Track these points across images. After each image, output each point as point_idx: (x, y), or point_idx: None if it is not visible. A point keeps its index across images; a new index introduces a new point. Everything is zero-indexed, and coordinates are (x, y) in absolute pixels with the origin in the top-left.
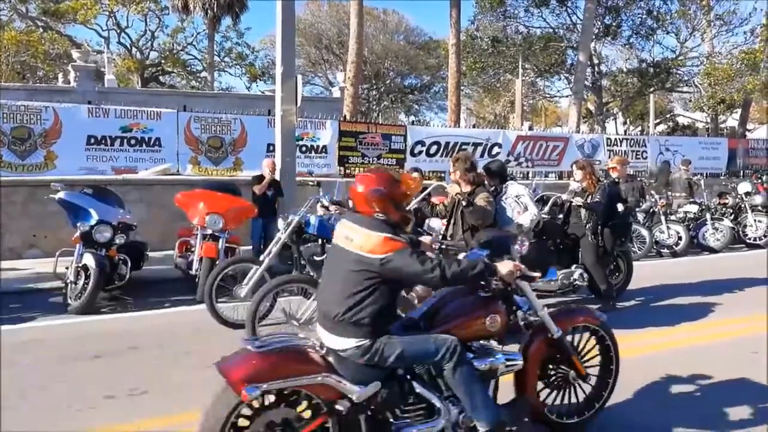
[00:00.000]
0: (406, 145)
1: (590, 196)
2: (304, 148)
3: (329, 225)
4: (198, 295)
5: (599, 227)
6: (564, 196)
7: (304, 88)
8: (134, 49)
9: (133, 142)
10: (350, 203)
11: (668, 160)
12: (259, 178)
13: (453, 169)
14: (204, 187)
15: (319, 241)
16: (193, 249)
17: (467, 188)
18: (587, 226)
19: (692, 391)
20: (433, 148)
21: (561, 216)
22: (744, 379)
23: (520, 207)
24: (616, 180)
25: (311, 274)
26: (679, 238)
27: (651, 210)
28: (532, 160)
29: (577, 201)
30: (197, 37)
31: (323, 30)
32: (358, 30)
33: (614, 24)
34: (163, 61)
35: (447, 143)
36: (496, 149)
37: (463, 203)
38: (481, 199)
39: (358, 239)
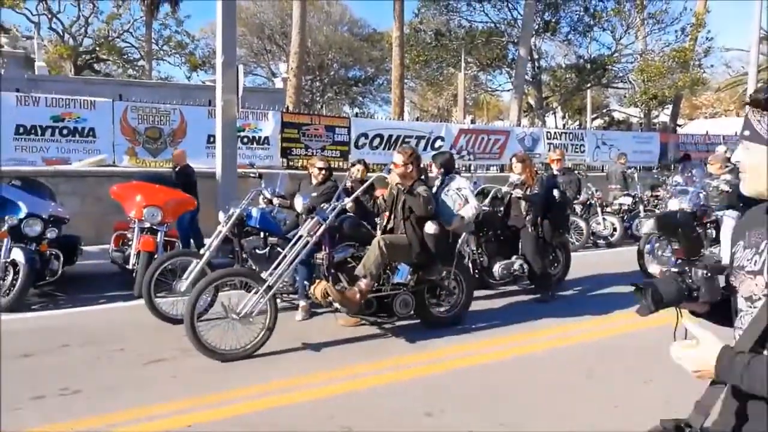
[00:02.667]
0: (350, 138)
1: (529, 189)
2: (245, 140)
3: (272, 218)
4: (135, 290)
5: (538, 218)
6: (504, 189)
7: (246, 78)
8: (67, 36)
9: (65, 132)
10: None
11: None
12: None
13: (403, 160)
14: (141, 178)
15: (261, 234)
16: (130, 243)
17: (408, 182)
18: (527, 218)
19: (629, 376)
20: (377, 141)
21: (501, 208)
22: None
23: (461, 199)
24: (555, 173)
25: (253, 267)
26: (614, 229)
27: (588, 202)
28: (474, 153)
29: (517, 193)
30: (134, 24)
31: (266, 20)
32: (301, 21)
33: (553, 20)
34: (97, 49)
35: (390, 136)
36: (439, 142)
37: (404, 192)
38: (422, 191)
39: None
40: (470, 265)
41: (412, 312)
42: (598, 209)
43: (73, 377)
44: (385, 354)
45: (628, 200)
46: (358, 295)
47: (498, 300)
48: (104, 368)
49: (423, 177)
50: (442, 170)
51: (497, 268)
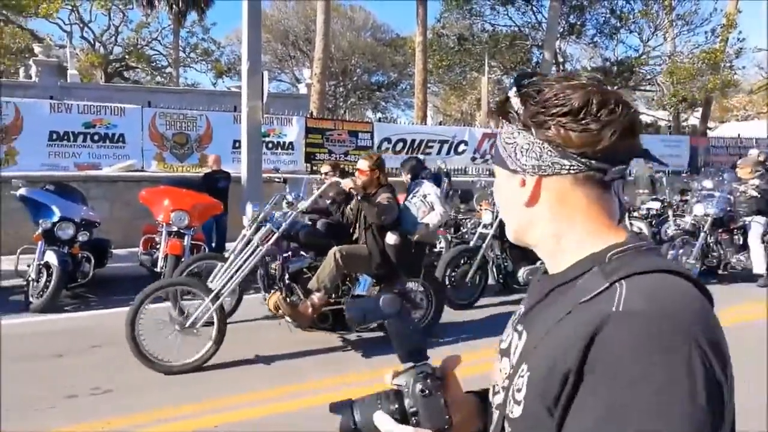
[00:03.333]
0: (372, 142)
1: None
2: (270, 145)
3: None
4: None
5: None
6: None
7: (271, 84)
8: (98, 44)
9: (96, 138)
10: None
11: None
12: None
13: (368, 166)
14: (169, 183)
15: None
16: (158, 246)
17: (373, 188)
18: None
19: None
20: (400, 145)
21: None
22: None
23: (426, 207)
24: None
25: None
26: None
27: None
28: None
29: None
30: (162, 32)
31: (290, 26)
32: (325, 27)
33: (579, 23)
34: (127, 57)
35: (413, 140)
36: (462, 146)
37: (358, 198)
38: (383, 199)
39: None
40: (494, 270)
41: (371, 326)
42: (625, 214)
43: (104, 377)
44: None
45: (657, 205)
46: (310, 309)
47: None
48: (133, 369)
49: (387, 184)
50: (410, 177)
51: (522, 273)
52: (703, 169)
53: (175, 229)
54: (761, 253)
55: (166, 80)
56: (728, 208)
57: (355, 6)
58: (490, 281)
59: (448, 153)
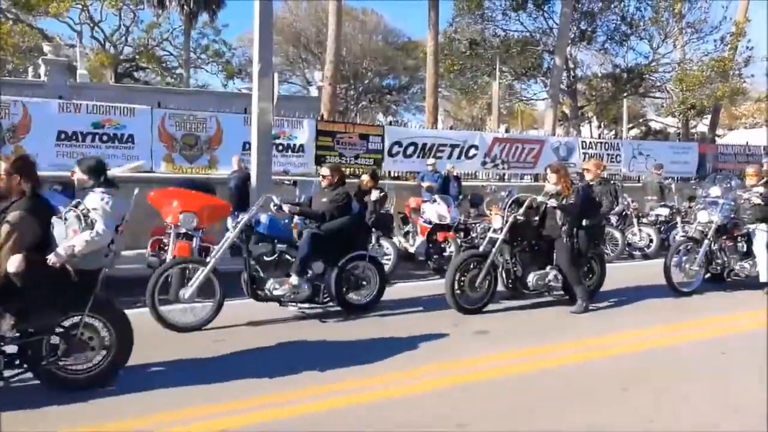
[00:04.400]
0: (383, 146)
1: (565, 199)
2: (280, 147)
3: (281, 224)
4: (171, 294)
5: (574, 229)
6: (539, 198)
7: (282, 86)
8: (108, 44)
9: (105, 138)
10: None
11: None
12: None
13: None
14: (178, 185)
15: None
16: (166, 248)
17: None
18: (562, 228)
19: (665, 391)
20: (411, 149)
21: (537, 218)
22: (716, 379)
23: (81, 224)
24: (591, 183)
25: (261, 274)
26: (651, 241)
27: (624, 213)
28: (508, 162)
29: (552, 203)
30: (173, 33)
31: (302, 29)
32: (337, 29)
33: (589, 29)
34: (137, 57)
35: (424, 144)
36: (473, 151)
37: None
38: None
39: None
40: (504, 275)
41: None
42: (634, 220)
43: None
44: (411, 363)
45: (665, 211)
46: None
47: (530, 310)
48: (136, 372)
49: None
50: (91, 181)
51: (531, 279)
52: (709, 175)
53: (183, 230)
54: (767, 260)
55: (177, 81)
56: (732, 216)
57: (367, 9)
58: (500, 287)
59: (459, 157)
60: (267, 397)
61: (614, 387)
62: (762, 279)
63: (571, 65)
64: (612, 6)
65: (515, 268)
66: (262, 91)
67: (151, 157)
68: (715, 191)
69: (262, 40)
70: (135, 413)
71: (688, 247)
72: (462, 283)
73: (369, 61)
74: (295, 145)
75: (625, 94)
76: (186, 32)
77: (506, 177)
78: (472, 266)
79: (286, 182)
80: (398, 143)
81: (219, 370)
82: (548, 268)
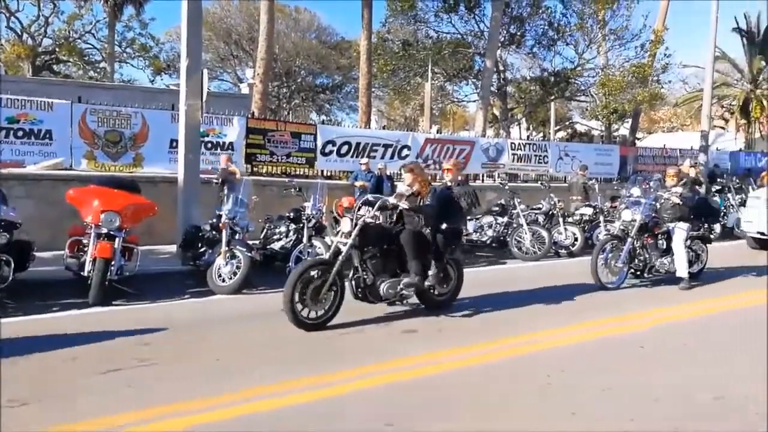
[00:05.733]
0: (316, 145)
1: (422, 200)
2: (209, 145)
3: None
4: (90, 298)
5: (432, 232)
6: (391, 200)
7: (212, 83)
8: (25, 35)
9: (20, 134)
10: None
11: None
12: None
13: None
14: (99, 183)
15: None
16: (85, 249)
17: None
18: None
19: (586, 385)
20: (345, 148)
21: (391, 221)
22: (637, 371)
23: None
24: (450, 184)
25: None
26: (576, 239)
27: (550, 212)
28: (440, 162)
29: (404, 205)
30: (96, 25)
31: (233, 25)
32: (269, 26)
33: (519, 33)
34: (57, 49)
35: (358, 144)
36: (405, 151)
37: None
38: None
39: None
40: (353, 283)
41: None
42: (560, 219)
43: (23, 388)
44: (338, 364)
45: (589, 211)
46: None
47: (457, 311)
48: (57, 379)
49: None
50: None
51: (383, 287)
52: (631, 176)
53: (104, 230)
54: (684, 257)
55: (100, 76)
56: (653, 215)
57: (300, 7)
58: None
59: (392, 157)
60: (192, 403)
61: (539, 382)
62: (678, 274)
63: (501, 68)
64: (540, 12)
65: (365, 276)
66: (190, 87)
67: (71, 154)
68: (636, 191)
69: (190, 35)
70: (94, 414)
71: (613, 245)
72: (304, 296)
73: (302, 60)
74: (224, 143)
75: (552, 98)
76: (110, 25)
77: (438, 177)
78: (315, 276)
79: (215, 181)
80: (331, 142)
81: (139, 376)
82: (403, 275)
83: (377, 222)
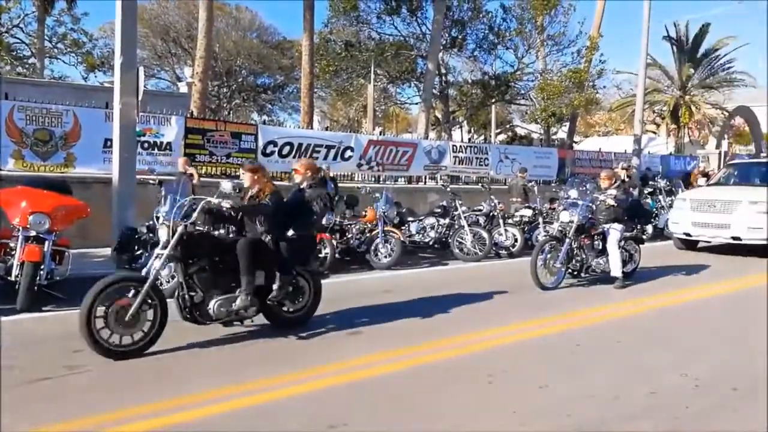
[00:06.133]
0: (257, 145)
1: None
2: (146, 145)
3: None
4: (18, 303)
5: (274, 239)
6: (214, 200)
7: (149, 81)
8: None
9: None
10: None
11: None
12: None
13: None
14: (28, 183)
15: None
16: (13, 252)
17: None
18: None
19: (525, 382)
20: (286, 149)
21: (222, 228)
22: (573, 369)
23: None
24: (301, 186)
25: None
26: (516, 240)
27: (491, 214)
28: (382, 164)
29: (225, 205)
30: (25, 19)
31: (171, 22)
32: (207, 24)
33: (460, 37)
34: None
35: (300, 144)
36: (348, 152)
37: None
38: None
39: None
40: (180, 301)
41: None
42: (501, 221)
43: None
44: (281, 367)
45: (529, 212)
46: None
47: (403, 312)
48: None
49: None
50: None
51: (214, 306)
52: (569, 179)
53: (33, 233)
54: (618, 257)
55: (29, 72)
56: (590, 216)
57: (240, 6)
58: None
59: (334, 158)
60: (121, 412)
61: (481, 381)
62: (613, 274)
63: (443, 71)
64: (481, 16)
65: (191, 293)
66: (125, 85)
67: None
68: (574, 193)
69: (125, 31)
70: (72, 415)
71: (552, 246)
72: (106, 318)
73: (243, 59)
74: (162, 142)
75: (493, 101)
76: (40, 19)
77: (381, 179)
78: (121, 295)
79: (151, 181)
80: (273, 143)
81: (67, 385)
82: (238, 291)
83: (205, 230)
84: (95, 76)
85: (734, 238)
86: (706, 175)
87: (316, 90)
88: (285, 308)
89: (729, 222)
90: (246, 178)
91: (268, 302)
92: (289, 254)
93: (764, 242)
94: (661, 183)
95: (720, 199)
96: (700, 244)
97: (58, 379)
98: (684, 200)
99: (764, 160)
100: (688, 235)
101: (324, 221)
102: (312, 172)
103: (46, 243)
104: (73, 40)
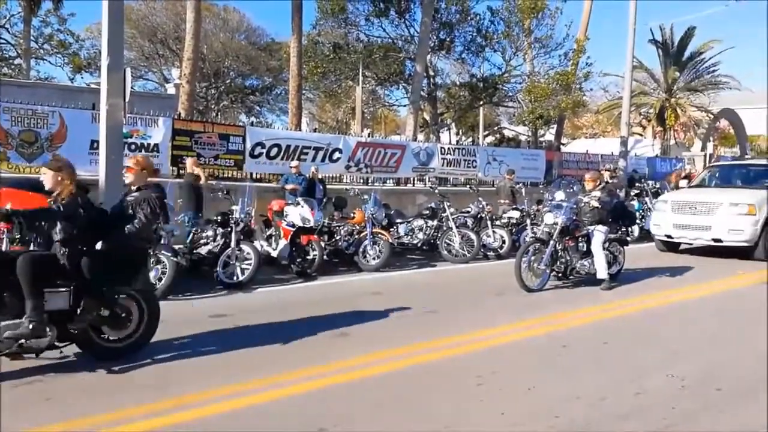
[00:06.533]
0: (245, 147)
1: (60, 204)
2: (133, 147)
3: None
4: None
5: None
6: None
7: (137, 83)
8: None
9: None
10: None
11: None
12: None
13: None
14: (12, 185)
15: None
16: None
17: None
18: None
19: (514, 384)
20: (274, 151)
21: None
22: (560, 370)
23: None
24: (132, 187)
25: None
26: (504, 242)
27: (479, 216)
28: (371, 166)
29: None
30: (11, 19)
31: (158, 23)
32: (195, 26)
33: (448, 39)
34: None
35: (288, 146)
36: (337, 154)
37: None
38: None
39: None
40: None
41: None
42: (488, 222)
43: None
44: (271, 369)
45: (516, 214)
46: None
47: (391, 313)
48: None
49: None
50: None
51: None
52: (555, 180)
53: (17, 235)
54: (603, 259)
55: (15, 72)
56: (574, 218)
57: (228, 7)
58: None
59: (323, 160)
60: (113, 414)
61: (469, 382)
62: (599, 276)
63: (431, 73)
64: (468, 18)
65: None
66: (112, 86)
67: None
68: (560, 195)
69: (112, 32)
70: (72, 415)
71: (536, 248)
72: None
73: (231, 60)
74: (149, 144)
75: (481, 103)
76: (26, 19)
77: (370, 180)
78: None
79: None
80: (261, 144)
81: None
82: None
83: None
84: (82, 77)
85: (715, 240)
86: (687, 177)
87: (304, 92)
88: (104, 335)
89: (710, 224)
90: (47, 179)
91: (71, 330)
92: (97, 271)
93: (745, 244)
94: (649, 184)
95: (701, 201)
96: (682, 246)
97: (58, 379)
98: (665, 202)
99: (745, 162)
100: (669, 237)
101: (314, 223)
102: (147, 171)
103: (31, 244)
104: (59, 40)
